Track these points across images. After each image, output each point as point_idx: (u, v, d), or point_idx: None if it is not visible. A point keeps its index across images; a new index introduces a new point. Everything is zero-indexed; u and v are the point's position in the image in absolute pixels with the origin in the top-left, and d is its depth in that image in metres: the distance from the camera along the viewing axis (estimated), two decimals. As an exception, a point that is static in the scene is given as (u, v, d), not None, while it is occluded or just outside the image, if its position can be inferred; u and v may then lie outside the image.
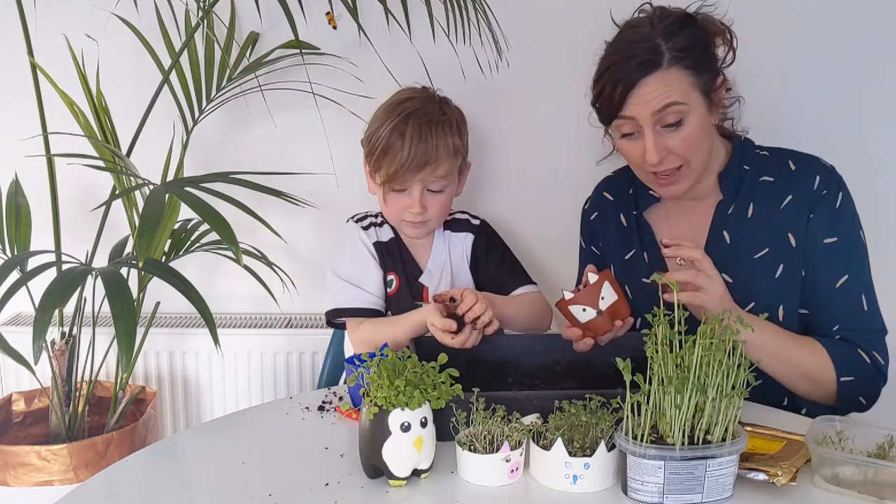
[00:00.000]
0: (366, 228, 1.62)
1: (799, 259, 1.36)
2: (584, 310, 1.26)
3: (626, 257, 1.51)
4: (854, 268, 1.35)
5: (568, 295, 1.27)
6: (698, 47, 1.32)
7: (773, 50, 1.81)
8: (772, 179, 1.40)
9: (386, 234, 1.63)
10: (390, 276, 1.60)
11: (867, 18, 1.81)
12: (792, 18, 1.82)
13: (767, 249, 1.38)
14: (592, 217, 1.59)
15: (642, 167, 1.37)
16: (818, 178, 1.37)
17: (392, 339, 1.42)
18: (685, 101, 1.30)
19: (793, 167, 1.40)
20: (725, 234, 1.41)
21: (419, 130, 1.50)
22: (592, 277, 1.27)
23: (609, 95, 1.32)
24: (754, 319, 1.16)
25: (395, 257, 1.62)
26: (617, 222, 1.54)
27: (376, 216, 1.65)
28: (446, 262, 1.64)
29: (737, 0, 1.38)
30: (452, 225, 1.66)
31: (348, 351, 1.63)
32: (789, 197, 1.38)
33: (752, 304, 1.36)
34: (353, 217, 1.65)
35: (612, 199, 1.56)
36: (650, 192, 1.48)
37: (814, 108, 1.85)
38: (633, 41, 1.32)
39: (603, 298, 1.25)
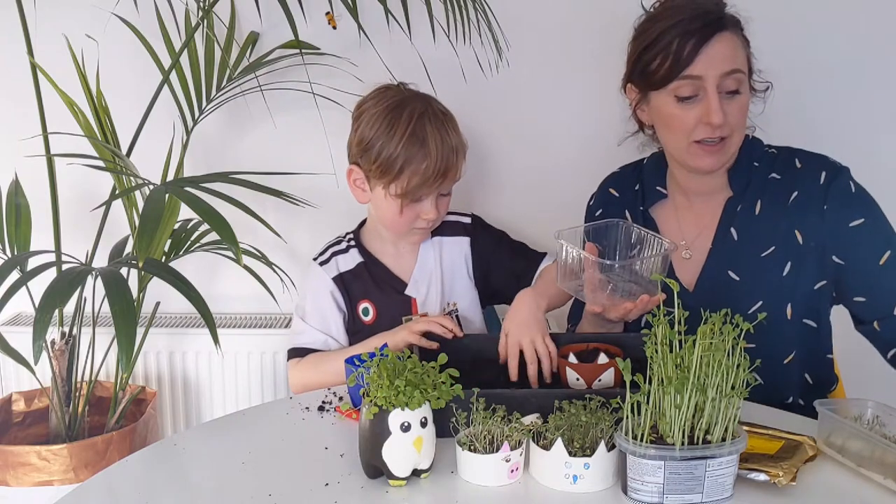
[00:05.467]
0: (325, 263, 1.56)
1: (810, 256, 1.35)
2: (577, 379, 1.27)
3: None
4: (893, 243, 1.34)
5: (573, 359, 1.28)
6: (740, 22, 1.34)
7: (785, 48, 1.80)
8: (779, 177, 1.40)
9: (351, 261, 1.56)
10: (364, 305, 1.54)
11: (871, 17, 1.81)
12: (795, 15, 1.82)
13: (774, 248, 1.37)
14: (597, 214, 1.58)
15: (690, 136, 1.33)
16: (824, 173, 1.36)
17: (335, 372, 1.40)
18: (744, 70, 1.32)
19: (799, 165, 1.40)
20: (733, 230, 1.40)
21: (439, 135, 1.42)
22: (604, 358, 1.28)
23: (677, 51, 1.29)
24: None
25: (366, 282, 1.55)
26: (622, 218, 1.52)
27: (338, 242, 1.59)
28: (435, 270, 1.57)
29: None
30: (442, 229, 1.59)
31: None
32: (795, 193, 1.37)
33: (759, 302, 1.35)
34: (315, 255, 1.60)
35: (617, 195, 1.55)
36: (657, 187, 1.48)
37: (822, 108, 1.84)
38: (698, 1, 1.31)
39: (599, 381, 1.26)
